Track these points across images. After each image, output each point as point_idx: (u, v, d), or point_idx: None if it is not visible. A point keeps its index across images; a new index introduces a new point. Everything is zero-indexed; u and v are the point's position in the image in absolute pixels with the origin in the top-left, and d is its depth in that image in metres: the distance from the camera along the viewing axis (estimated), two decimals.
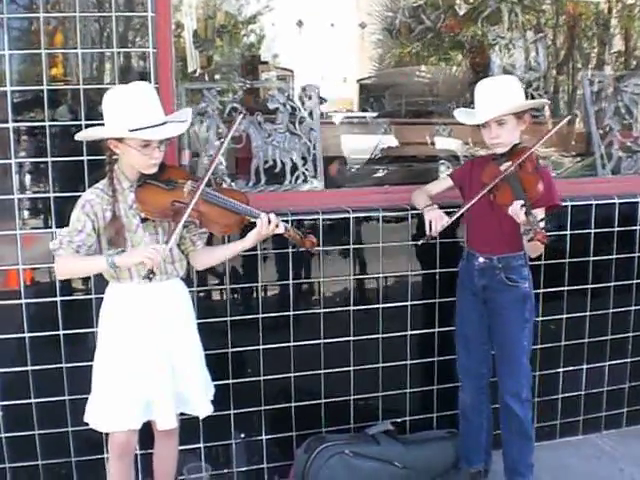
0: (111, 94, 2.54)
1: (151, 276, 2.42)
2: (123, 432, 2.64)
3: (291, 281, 3.26)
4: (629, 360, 3.80)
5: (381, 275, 3.37)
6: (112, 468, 2.79)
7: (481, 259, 3.04)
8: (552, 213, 3.04)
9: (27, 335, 3.02)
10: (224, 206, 2.63)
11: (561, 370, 3.68)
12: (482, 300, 3.08)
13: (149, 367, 2.61)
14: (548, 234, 2.64)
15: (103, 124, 2.56)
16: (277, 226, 2.63)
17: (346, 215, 3.29)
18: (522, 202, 2.72)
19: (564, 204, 3.33)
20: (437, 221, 2.93)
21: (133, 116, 2.46)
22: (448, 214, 2.97)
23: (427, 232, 2.95)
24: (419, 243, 2.97)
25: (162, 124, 2.53)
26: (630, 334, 3.77)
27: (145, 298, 2.61)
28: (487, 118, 2.90)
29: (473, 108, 3.04)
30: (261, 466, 3.38)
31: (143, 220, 2.59)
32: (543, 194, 2.85)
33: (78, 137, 2.63)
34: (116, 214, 2.54)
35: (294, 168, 3.48)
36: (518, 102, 2.95)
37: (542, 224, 2.67)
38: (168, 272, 2.65)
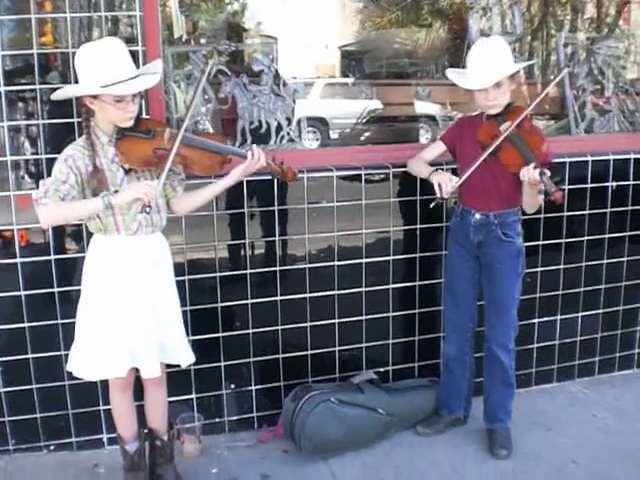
0: (82, 51, 2.54)
1: (147, 210, 2.47)
2: None
3: (277, 237, 3.35)
4: (601, 311, 3.95)
5: (364, 231, 3.45)
6: (114, 402, 2.90)
7: (477, 215, 3.11)
8: None
9: (23, 293, 3.09)
10: (206, 148, 2.70)
11: (536, 321, 3.82)
12: (475, 256, 3.18)
13: (133, 317, 2.68)
14: None
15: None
16: (259, 159, 2.70)
17: (330, 174, 3.37)
18: (534, 164, 2.79)
19: None
20: (446, 183, 2.96)
21: (105, 72, 2.48)
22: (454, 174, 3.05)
23: (437, 195, 2.98)
24: (430, 206, 3.00)
25: (134, 77, 2.55)
26: (602, 286, 3.91)
27: (130, 250, 2.67)
28: (489, 84, 2.93)
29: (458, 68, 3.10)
30: (251, 415, 3.49)
31: (127, 172, 2.63)
32: (545, 154, 2.96)
33: (54, 97, 2.64)
34: (97, 166, 2.57)
35: (279, 128, 3.57)
36: (514, 65, 3.01)
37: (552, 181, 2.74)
38: (154, 223, 2.70)
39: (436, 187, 2.99)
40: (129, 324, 2.68)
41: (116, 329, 2.67)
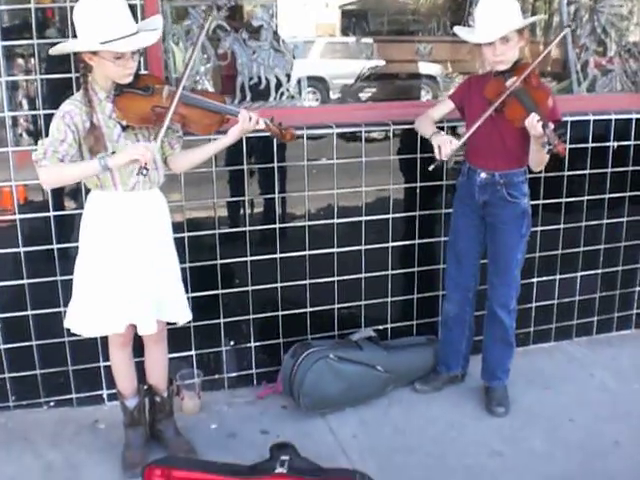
0: (80, 6, 2.48)
1: (144, 172, 2.46)
2: None
3: (277, 195, 3.34)
4: (600, 271, 3.96)
5: (364, 189, 3.44)
6: (113, 358, 2.92)
7: (483, 175, 3.09)
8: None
9: (22, 250, 3.09)
10: (204, 106, 2.67)
11: (535, 280, 3.82)
12: (480, 216, 3.17)
13: (130, 273, 2.67)
14: None
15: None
16: (257, 122, 2.67)
17: (329, 131, 3.35)
18: (538, 116, 2.77)
19: None
20: (446, 145, 2.94)
21: (104, 28, 2.44)
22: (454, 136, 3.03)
23: (437, 157, 2.97)
24: (430, 168, 2.99)
25: (134, 34, 2.50)
26: (601, 246, 3.92)
27: (128, 206, 2.65)
28: (496, 37, 2.90)
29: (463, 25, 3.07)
30: (250, 372, 3.51)
31: (124, 128, 2.60)
32: (551, 109, 2.93)
33: (52, 52, 2.60)
34: (94, 123, 2.55)
35: (278, 85, 3.54)
36: (521, 19, 2.98)
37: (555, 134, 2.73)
38: (151, 179, 2.67)
39: (435, 149, 2.98)
40: (126, 280, 2.67)
41: (113, 285, 2.67)
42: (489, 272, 3.25)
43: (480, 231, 3.21)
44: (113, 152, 2.56)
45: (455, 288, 3.34)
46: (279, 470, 2.41)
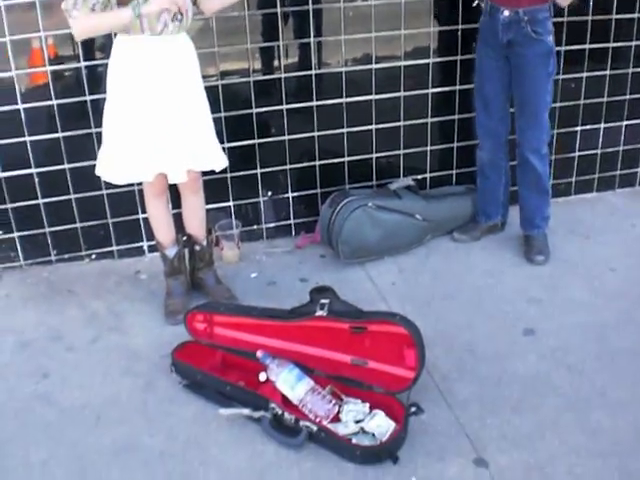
0: None
1: (179, 17, 2.41)
2: None
3: (312, 39, 3.23)
4: None
5: (403, 32, 3.31)
6: (149, 208, 2.92)
7: (506, 12, 2.95)
8: None
9: (55, 102, 3.05)
10: None
11: (579, 128, 3.72)
12: (505, 57, 3.05)
13: (158, 119, 2.61)
14: None
15: None
16: None
17: None
18: None
19: None
20: None
21: None
22: None
23: None
24: (474, 4, 2.94)
25: None
26: None
27: (155, 51, 2.56)
28: None
29: None
30: (288, 222, 3.52)
31: None
32: None
33: None
34: None
35: None
36: None
37: None
38: (181, 24, 2.57)
39: None
40: (153, 127, 2.61)
41: (140, 131, 2.62)
42: (517, 117, 3.16)
43: (505, 73, 3.09)
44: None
45: (486, 135, 3.28)
46: (319, 313, 2.43)
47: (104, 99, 2.66)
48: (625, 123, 3.79)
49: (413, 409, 2.20)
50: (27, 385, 2.55)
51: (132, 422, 2.36)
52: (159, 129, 2.61)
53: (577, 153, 3.77)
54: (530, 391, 2.43)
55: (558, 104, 3.54)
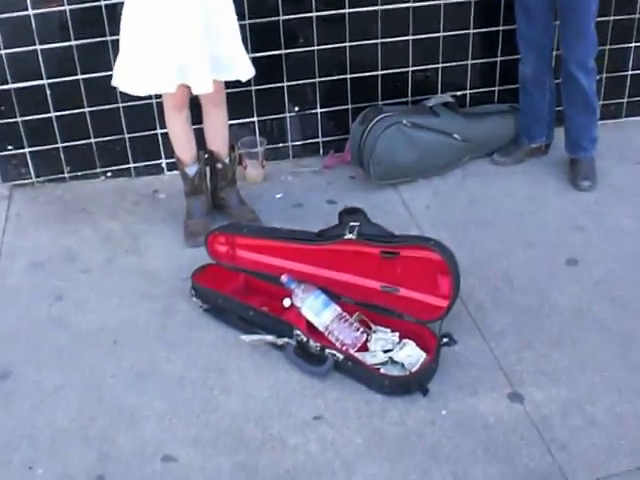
0: None
1: None
2: None
3: None
4: None
5: None
6: (169, 123, 2.80)
7: None
8: None
9: (67, 8, 2.90)
10: None
11: (633, 45, 3.47)
12: None
13: (180, 26, 2.44)
14: None
15: None
16: None
17: None
18: None
19: None
20: None
21: None
22: None
23: None
24: None
25: None
26: None
27: None
28: None
29: None
30: (316, 140, 3.38)
31: None
32: None
33: None
34: None
35: None
36: None
37: None
38: None
39: None
40: (176, 34, 2.44)
41: (161, 38, 2.45)
42: (562, 29, 2.97)
43: None
44: None
45: (528, 47, 3.08)
46: (348, 236, 2.33)
47: (121, 3, 2.50)
48: None
49: (445, 339, 2.17)
50: (40, 308, 2.50)
51: (150, 347, 2.31)
52: (182, 35, 2.44)
53: (630, 72, 3.53)
54: (571, 324, 2.35)
55: (610, 17, 3.31)
